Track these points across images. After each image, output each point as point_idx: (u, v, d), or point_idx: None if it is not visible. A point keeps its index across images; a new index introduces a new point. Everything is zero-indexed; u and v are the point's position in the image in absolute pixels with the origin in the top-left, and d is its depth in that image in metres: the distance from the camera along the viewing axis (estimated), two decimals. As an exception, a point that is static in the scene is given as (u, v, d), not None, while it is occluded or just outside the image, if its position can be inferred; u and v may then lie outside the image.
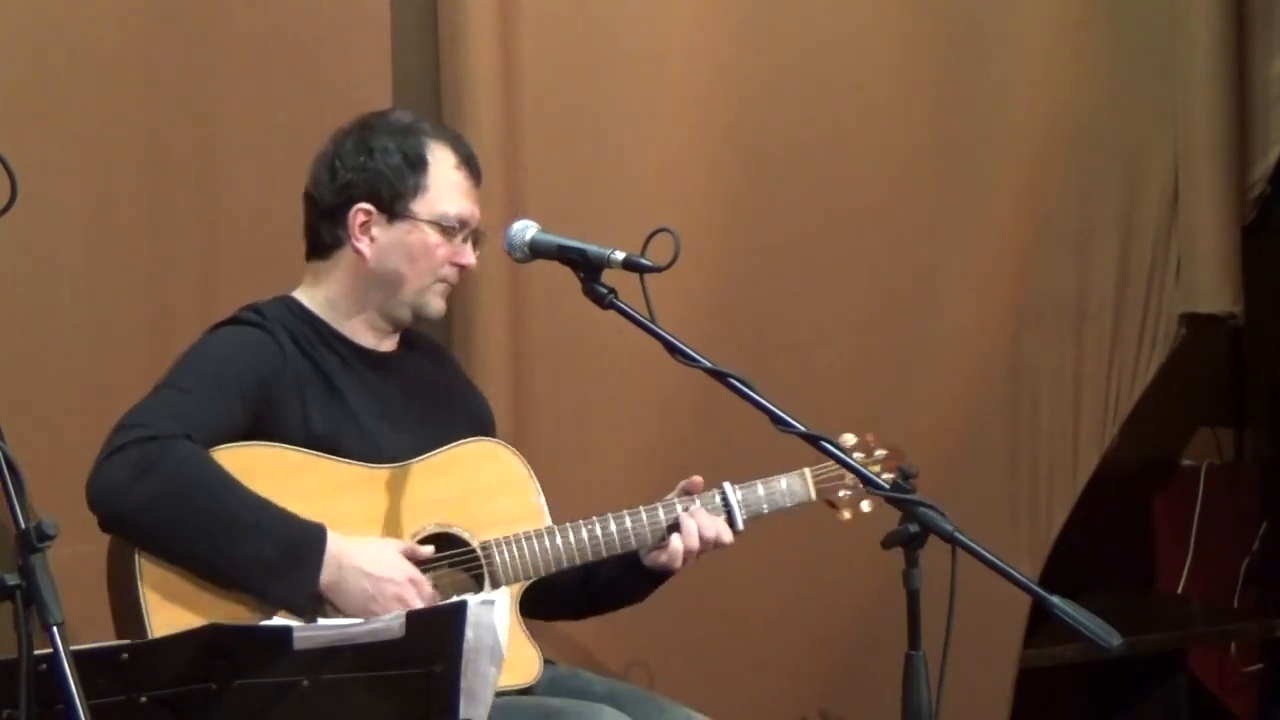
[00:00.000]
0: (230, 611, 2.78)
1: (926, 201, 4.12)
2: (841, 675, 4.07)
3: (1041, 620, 4.09)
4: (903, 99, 4.08)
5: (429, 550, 2.89)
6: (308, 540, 2.78)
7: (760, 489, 3.13)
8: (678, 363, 2.67)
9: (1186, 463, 5.05)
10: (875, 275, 4.09)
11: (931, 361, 4.15)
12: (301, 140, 3.52)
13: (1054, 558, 4.27)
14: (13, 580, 2.04)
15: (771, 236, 3.98)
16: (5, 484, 2.09)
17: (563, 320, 3.64)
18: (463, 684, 2.35)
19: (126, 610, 2.80)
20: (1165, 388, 4.43)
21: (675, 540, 3.01)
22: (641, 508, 3.04)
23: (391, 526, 2.91)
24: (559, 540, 2.98)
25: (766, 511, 3.13)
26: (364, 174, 2.98)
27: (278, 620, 2.32)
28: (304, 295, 3.05)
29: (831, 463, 3.06)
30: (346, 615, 2.79)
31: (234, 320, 2.98)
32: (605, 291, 2.80)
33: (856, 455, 3.13)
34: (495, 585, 2.93)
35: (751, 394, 2.58)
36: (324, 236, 3.01)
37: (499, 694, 2.57)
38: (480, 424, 3.13)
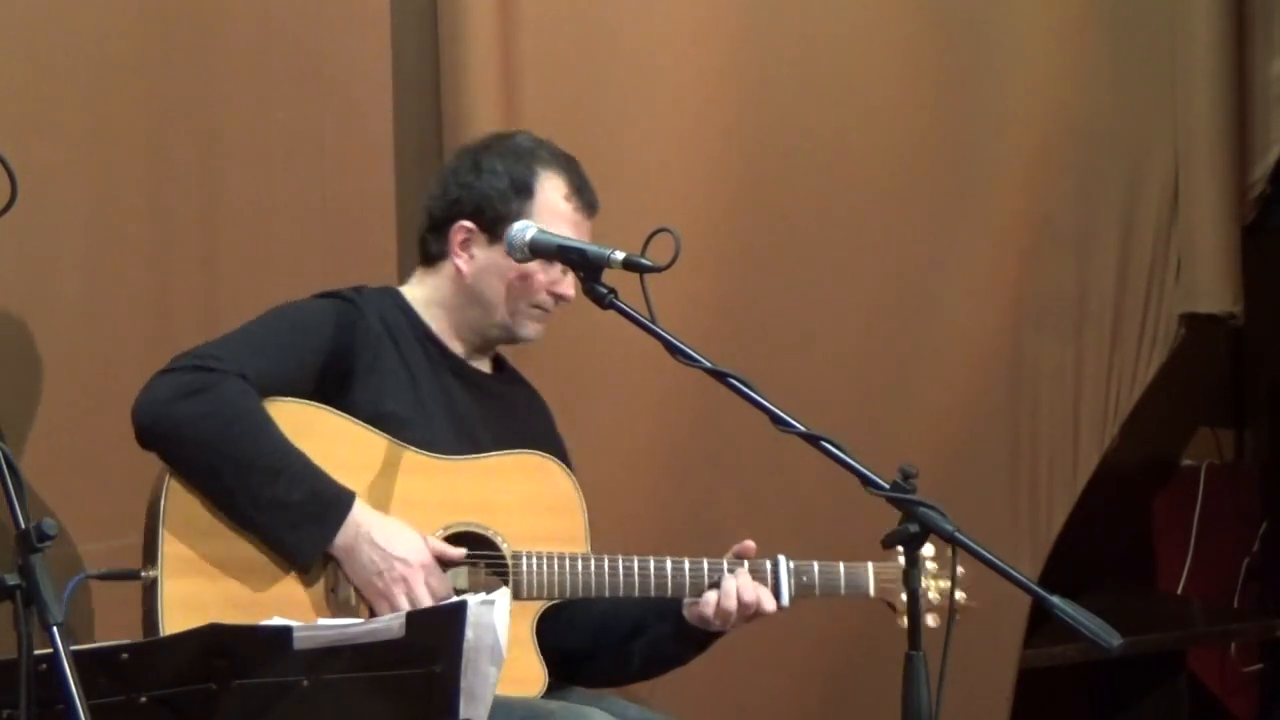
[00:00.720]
0: (244, 558, 2.80)
1: (926, 201, 4.12)
2: (841, 675, 4.07)
3: (1041, 620, 4.09)
4: (903, 99, 4.08)
5: (460, 552, 2.90)
6: (333, 499, 2.80)
7: (816, 569, 3.08)
8: (678, 363, 2.67)
9: (1186, 463, 5.06)
10: (875, 275, 4.09)
11: (931, 361, 4.15)
12: (301, 140, 3.53)
13: (1054, 558, 4.27)
14: (13, 580, 2.04)
15: (771, 236, 3.98)
16: (5, 484, 2.08)
17: (562, 320, 3.64)
18: (463, 684, 2.35)
19: (149, 532, 2.81)
20: (1165, 388, 4.43)
21: (711, 594, 2.98)
22: (686, 559, 3.02)
23: (426, 515, 2.91)
24: (590, 567, 2.97)
25: (818, 594, 3.09)
26: (470, 192, 3.01)
27: (277, 621, 2.32)
28: (408, 293, 3.10)
29: (896, 562, 3.03)
30: (354, 584, 2.82)
31: (333, 294, 3.03)
32: (605, 291, 2.80)
33: (930, 566, 3.09)
34: (518, 596, 2.92)
35: (751, 394, 2.58)
36: (431, 246, 3.06)
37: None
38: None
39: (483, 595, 2.37)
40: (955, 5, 4.14)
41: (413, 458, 2.92)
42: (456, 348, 3.07)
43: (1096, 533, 4.53)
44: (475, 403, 3.07)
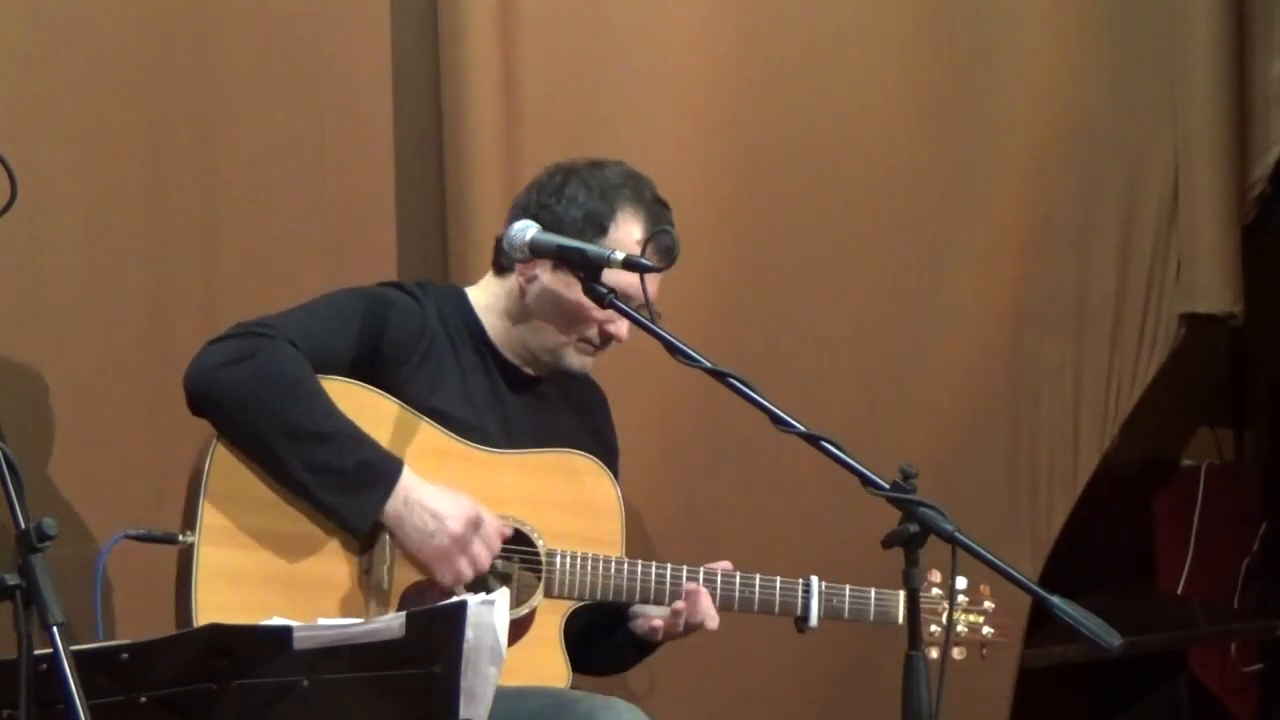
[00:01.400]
0: (282, 532, 2.81)
1: (926, 201, 4.12)
2: (841, 675, 4.07)
3: (1041, 620, 4.09)
4: (903, 99, 4.08)
5: (507, 526, 2.91)
6: (384, 466, 2.81)
7: (847, 594, 3.11)
8: (678, 363, 2.67)
9: (1186, 463, 5.06)
10: (875, 275, 4.09)
11: (931, 361, 4.15)
12: (301, 140, 3.53)
13: (1054, 558, 4.27)
14: (13, 580, 2.04)
15: (771, 237, 3.98)
16: (5, 484, 2.08)
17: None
18: (463, 684, 2.35)
19: (190, 497, 2.83)
20: (1165, 388, 4.43)
21: (661, 610, 3.02)
22: (719, 573, 3.05)
23: None
24: (624, 571, 2.98)
25: (847, 618, 3.12)
26: (545, 214, 2.99)
27: (276, 621, 2.32)
28: (473, 295, 3.11)
29: (929, 594, 3.06)
30: (406, 550, 2.83)
31: (395, 284, 3.05)
32: (605, 291, 2.80)
33: (961, 599, 3.11)
34: (549, 593, 2.94)
35: (751, 394, 2.58)
36: (503, 256, 3.03)
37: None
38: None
39: (483, 595, 2.38)
40: (955, 5, 4.14)
41: (456, 447, 2.93)
42: (510, 355, 3.08)
43: (1096, 533, 4.53)
44: (526, 407, 3.08)
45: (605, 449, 3.18)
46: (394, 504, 2.81)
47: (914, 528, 2.43)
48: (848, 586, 3.11)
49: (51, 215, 3.27)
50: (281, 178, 3.53)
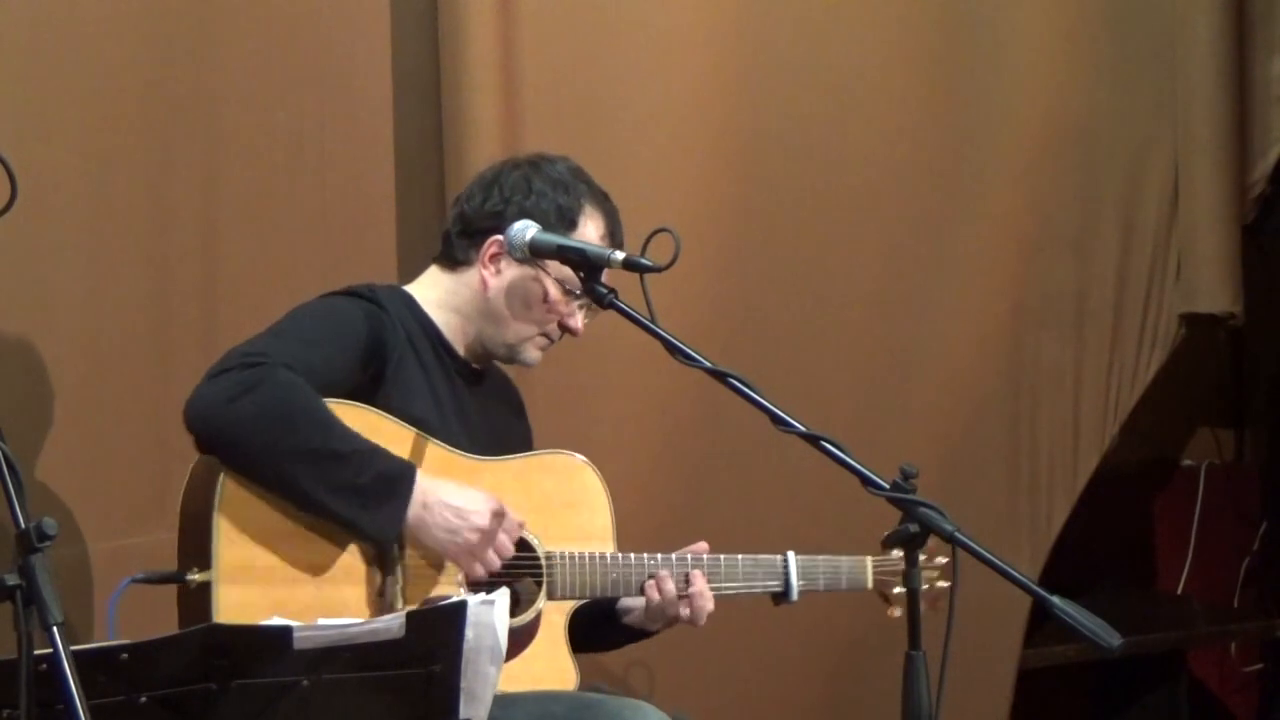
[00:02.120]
0: (295, 564, 2.80)
1: (926, 201, 4.12)
2: (841, 675, 4.07)
3: (1041, 620, 4.09)
4: (903, 99, 4.08)
5: (520, 519, 2.91)
6: (400, 474, 2.81)
7: (820, 563, 3.15)
8: (678, 363, 2.67)
9: (1186, 463, 5.06)
10: (875, 274, 4.09)
11: (931, 361, 4.15)
12: (301, 140, 3.53)
13: (1054, 558, 4.27)
14: (13, 580, 2.04)
15: (771, 237, 3.98)
16: (5, 484, 2.08)
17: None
18: (463, 684, 2.35)
19: (193, 534, 2.80)
20: (1165, 388, 4.43)
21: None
22: (721, 556, 3.07)
23: None
24: (620, 564, 2.99)
25: (822, 588, 3.16)
26: (515, 209, 2.99)
27: (276, 620, 2.32)
28: (418, 293, 3.08)
29: (892, 556, 3.09)
30: (433, 547, 2.82)
31: (350, 292, 3.01)
32: (605, 291, 2.80)
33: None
34: (552, 596, 2.94)
35: (751, 394, 2.58)
36: (458, 251, 3.03)
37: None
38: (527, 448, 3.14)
39: (483, 595, 2.38)
40: (955, 5, 4.14)
41: (448, 456, 2.92)
42: (462, 351, 3.07)
43: (1096, 533, 4.53)
44: (479, 405, 3.08)
45: (528, 431, 3.22)
46: (414, 509, 2.81)
47: (914, 528, 2.44)
48: (820, 557, 3.14)
49: (51, 215, 3.27)
50: (281, 178, 3.53)
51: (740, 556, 3.08)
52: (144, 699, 2.14)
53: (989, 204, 4.19)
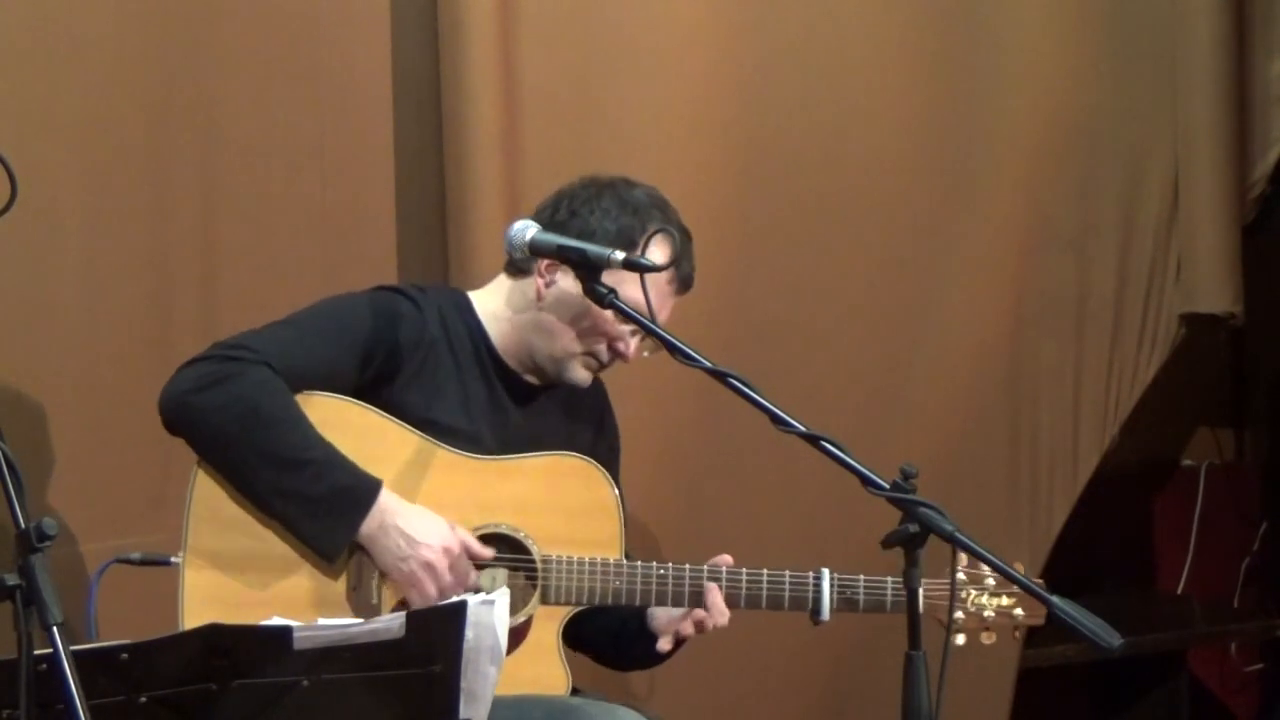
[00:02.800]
0: (267, 553, 2.81)
1: (926, 201, 4.12)
2: (841, 675, 4.07)
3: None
4: (902, 99, 4.08)
5: (489, 551, 2.89)
6: (358, 491, 2.80)
7: (861, 584, 3.03)
8: (678, 363, 2.67)
9: (1186, 463, 5.06)
10: (875, 275, 4.09)
11: (931, 361, 4.15)
12: (301, 140, 3.53)
13: (1054, 558, 4.26)
14: (13, 580, 2.04)
15: (771, 237, 3.98)
16: (5, 484, 2.08)
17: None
18: (463, 684, 2.35)
19: (183, 523, 2.83)
20: (1165, 388, 4.43)
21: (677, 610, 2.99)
22: (725, 569, 3.01)
23: (457, 514, 2.90)
24: (623, 573, 2.95)
25: (862, 610, 3.04)
26: (578, 222, 2.98)
27: (276, 620, 2.32)
28: (478, 299, 3.08)
29: (939, 580, 2.90)
30: (380, 570, 2.82)
31: (395, 288, 3.02)
32: (605, 291, 2.80)
33: (988, 582, 3.04)
34: (545, 600, 2.92)
35: (751, 394, 2.58)
36: (505, 244, 2.98)
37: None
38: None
39: (483, 595, 2.37)
40: (955, 5, 4.14)
41: (446, 456, 2.91)
42: (512, 363, 3.06)
43: (1096, 533, 4.53)
44: (527, 418, 3.06)
45: (610, 437, 3.19)
46: (368, 527, 2.80)
47: (914, 528, 2.43)
48: (861, 576, 3.04)
49: (51, 215, 3.27)
50: (281, 178, 3.53)
51: (765, 571, 3.00)
52: (144, 699, 2.14)
53: (989, 204, 4.19)
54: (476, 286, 3.18)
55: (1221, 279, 4.33)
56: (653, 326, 2.72)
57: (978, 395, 4.21)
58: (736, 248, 3.92)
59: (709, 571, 2.99)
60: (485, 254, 3.50)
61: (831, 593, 3.02)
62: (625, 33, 3.81)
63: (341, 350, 2.88)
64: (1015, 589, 3.03)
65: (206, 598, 2.76)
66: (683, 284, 3.03)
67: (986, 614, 3.04)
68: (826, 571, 3.03)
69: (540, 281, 3.00)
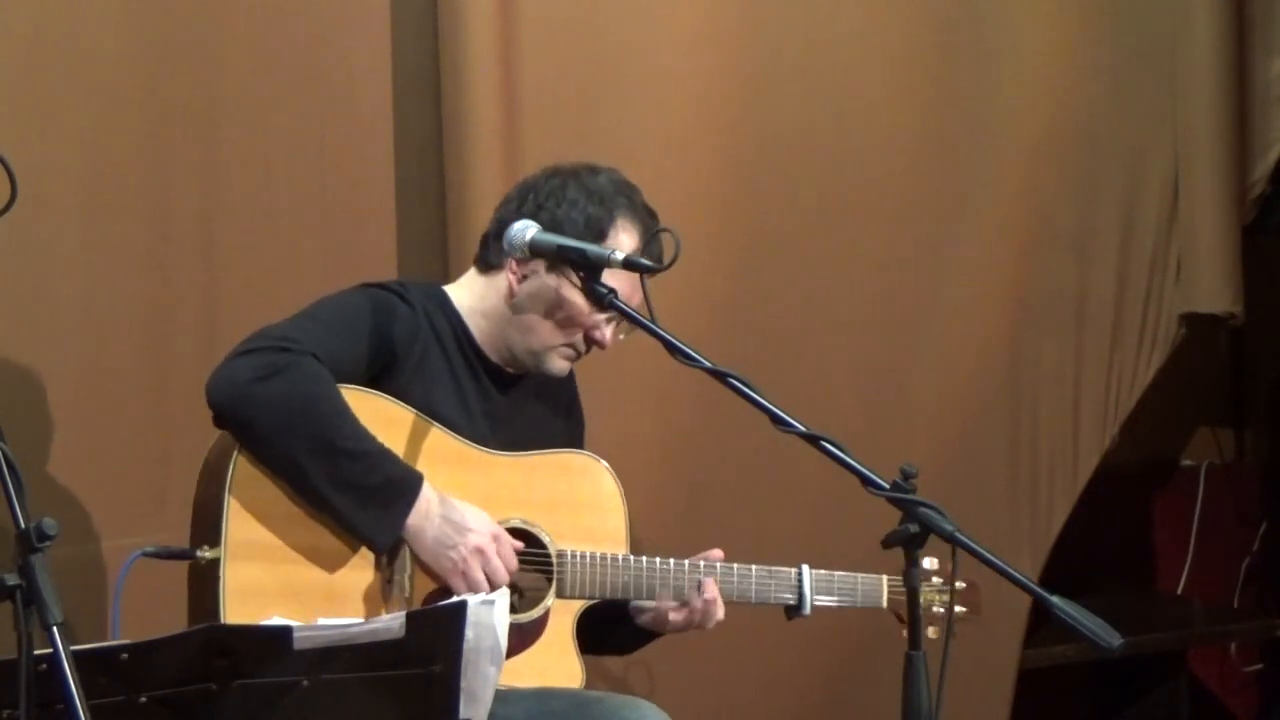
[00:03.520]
0: (305, 545, 2.80)
1: (926, 201, 4.12)
2: (841, 675, 4.07)
3: (1041, 620, 4.09)
4: (903, 99, 4.08)
5: (518, 545, 2.90)
6: (406, 482, 2.81)
7: (836, 579, 3.14)
8: (678, 363, 2.67)
9: (1186, 463, 5.06)
10: (875, 275, 4.09)
11: (931, 361, 4.15)
12: (301, 140, 3.53)
13: (1054, 558, 4.27)
14: (13, 580, 2.04)
15: (771, 237, 3.98)
16: (5, 484, 2.08)
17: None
18: (463, 684, 2.35)
19: (206, 512, 2.81)
20: (1165, 388, 4.43)
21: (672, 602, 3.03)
22: (735, 565, 3.06)
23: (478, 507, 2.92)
24: (632, 566, 2.99)
25: (836, 604, 3.15)
26: (545, 215, 2.98)
27: (276, 620, 2.32)
28: (454, 293, 3.08)
29: (897, 576, 3.07)
30: (424, 560, 2.83)
31: (380, 286, 3.01)
32: (605, 291, 2.80)
33: (934, 580, 3.15)
34: (561, 594, 2.94)
35: (751, 394, 2.58)
36: (491, 254, 3.03)
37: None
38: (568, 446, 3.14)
39: (483, 595, 2.38)
40: (955, 6, 4.14)
41: (465, 450, 2.93)
42: (493, 355, 3.06)
43: (1096, 533, 4.53)
44: (511, 407, 3.07)
45: (578, 419, 3.21)
46: (415, 518, 2.81)
47: (914, 528, 2.43)
48: (836, 573, 3.13)
49: (51, 215, 3.27)
50: (281, 178, 3.53)
51: (754, 567, 3.08)
52: (144, 699, 2.14)
53: (989, 204, 4.19)
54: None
55: (1221, 279, 4.34)
56: (653, 327, 2.71)
57: (978, 395, 4.21)
58: (737, 247, 3.92)
59: (705, 566, 3.03)
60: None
61: (812, 588, 3.11)
62: (625, 33, 3.81)
63: (350, 346, 2.89)
64: (958, 585, 3.14)
65: (246, 589, 2.76)
66: (658, 260, 2.99)
67: (934, 609, 3.13)
68: (806, 567, 3.12)
69: (513, 277, 3.01)
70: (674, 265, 2.80)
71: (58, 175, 3.29)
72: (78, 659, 2.01)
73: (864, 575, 3.14)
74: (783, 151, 3.98)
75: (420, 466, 2.86)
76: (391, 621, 2.28)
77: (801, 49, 3.99)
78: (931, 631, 3.10)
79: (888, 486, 2.46)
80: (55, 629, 2.01)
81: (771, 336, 3.96)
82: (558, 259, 2.88)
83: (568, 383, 3.20)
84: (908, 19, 4.08)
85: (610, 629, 3.09)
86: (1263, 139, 4.40)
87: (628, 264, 2.77)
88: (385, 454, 2.81)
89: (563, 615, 2.95)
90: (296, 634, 2.22)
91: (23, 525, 2.05)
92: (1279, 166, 4.42)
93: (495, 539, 2.84)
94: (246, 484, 2.78)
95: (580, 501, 3.02)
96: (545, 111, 3.71)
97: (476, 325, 3.05)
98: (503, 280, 3.02)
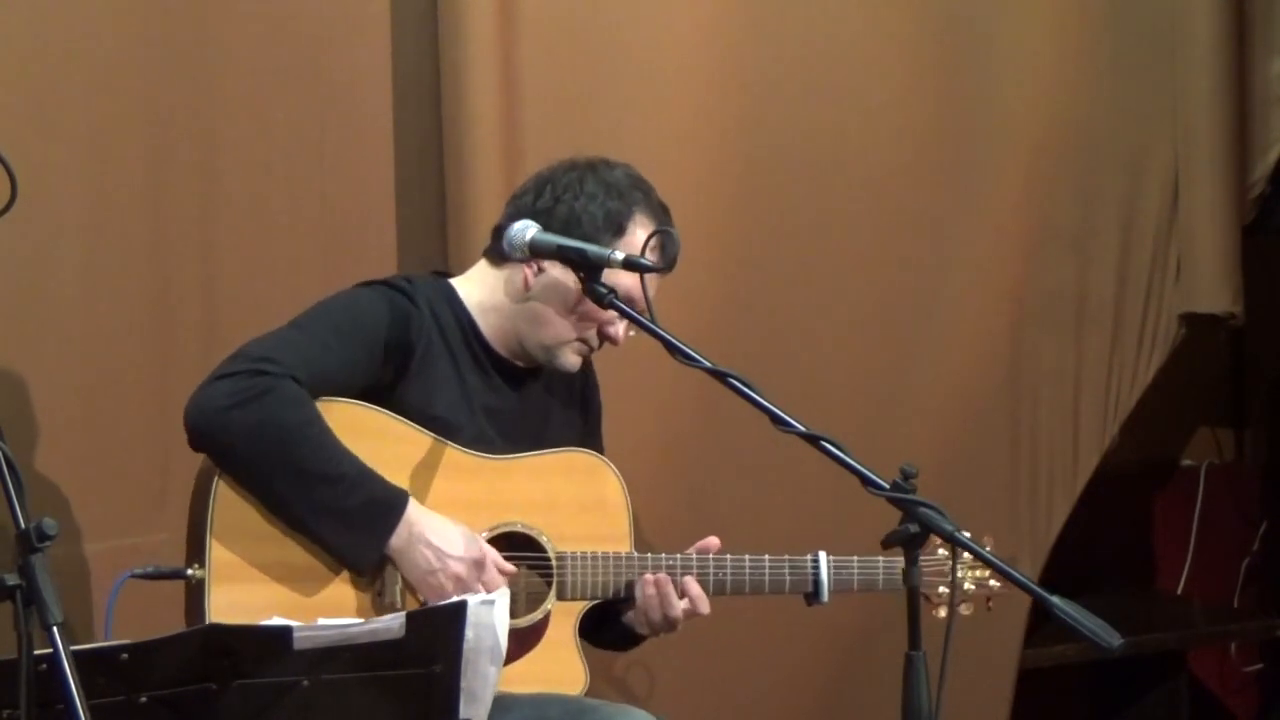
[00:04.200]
0: (292, 563, 2.79)
1: (926, 202, 4.12)
2: (841, 675, 4.07)
3: (1041, 620, 4.09)
4: (903, 99, 4.08)
5: (509, 568, 2.89)
6: (387, 503, 2.80)
7: (855, 564, 3.10)
8: (678, 363, 2.67)
9: (1186, 463, 5.06)
10: (875, 275, 4.09)
11: (931, 361, 4.15)
12: (301, 140, 3.53)
13: (1054, 558, 4.27)
14: (13, 580, 2.04)
15: (772, 237, 3.98)
16: (5, 484, 2.08)
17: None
18: (463, 684, 2.35)
19: (195, 531, 2.81)
20: (1165, 388, 4.43)
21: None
22: (729, 556, 3.03)
23: (473, 515, 2.90)
24: (634, 566, 2.98)
25: (857, 590, 3.11)
26: (564, 208, 2.97)
27: (276, 620, 2.32)
28: (461, 287, 3.06)
29: (935, 557, 3.06)
30: (409, 581, 2.81)
31: (384, 282, 2.99)
32: (605, 291, 2.80)
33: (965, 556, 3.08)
34: (561, 596, 2.93)
35: (751, 394, 2.58)
36: (505, 245, 2.98)
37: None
38: (582, 438, 3.12)
39: (482, 595, 2.38)
40: (955, 6, 4.14)
41: (460, 457, 2.91)
42: (502, 350, 3.04)
43: (1096, 533, 4.53)
44: (521, 403, 3.06)
45: (595, 411, 3.19)
46: (397, 540, 2.80)
47: (914, 528, 2.43)
48: (855, 557, 3.10)
49: (51, 215, 3.27)
50: (281, 178, 3.53)
51: (767, 557, 3.05)
52: (144, 699, 2.14)
53: (989, 204, 4.19)
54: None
55: (1221, 279, 4.34)
56: (653, 327, 2.71)
57: (978, 395, 4.21)
58: (737, 247, 3.92)
59: (698, 559, 3.01)
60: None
61: (830, 574, 3.07)
62: (625, 33, 3.81)
63: (361, 349, 2.87)
64: (954, 572, 3.13)
65: (233, 609, 2.74)
66: (669, 261, 3.01)
67: (966, 585, 3.12)
68: (823, 554, 3.08)
69: (528, 270, 2.98)
70: (673, 265, 2.80)
71: (58, 175, 3.29)
72: (78, 659, 2.01)
73: (886, 559, 3.09)
74: (783, 151, 3.98)
75: (412, 478, 2.85)
76: (391, 621, 2.28)
77: (802, 49, 3.99)
78: (965, 608, 3.10)
79: (888, 486, 2.46)
80: (55, 629, 2.01)
81: (771, 336, 3.96)
82: (557, 259, 2.88)
83: (583, 373, 3.17)
84: (908, 19, 4.08)
85: (607, 628, 3.08)
86: (1263, 139, 4.40)
87: (628, 264, 2.77)
88: (365, 475, 2.78)
89: (564, 618, 2.94)
90: (296, 634, 2.22)
91: (23, 525, 2.05)
92: (1279, 166, 4.42)
93: (477, 565, 2.82)
94: (229, 505, 2.78)
95: (584, 502, 3.00)
96: (545, 112, 3.71)
97: (485, 319, 3.03)
98: (517, 273, 3.00)
